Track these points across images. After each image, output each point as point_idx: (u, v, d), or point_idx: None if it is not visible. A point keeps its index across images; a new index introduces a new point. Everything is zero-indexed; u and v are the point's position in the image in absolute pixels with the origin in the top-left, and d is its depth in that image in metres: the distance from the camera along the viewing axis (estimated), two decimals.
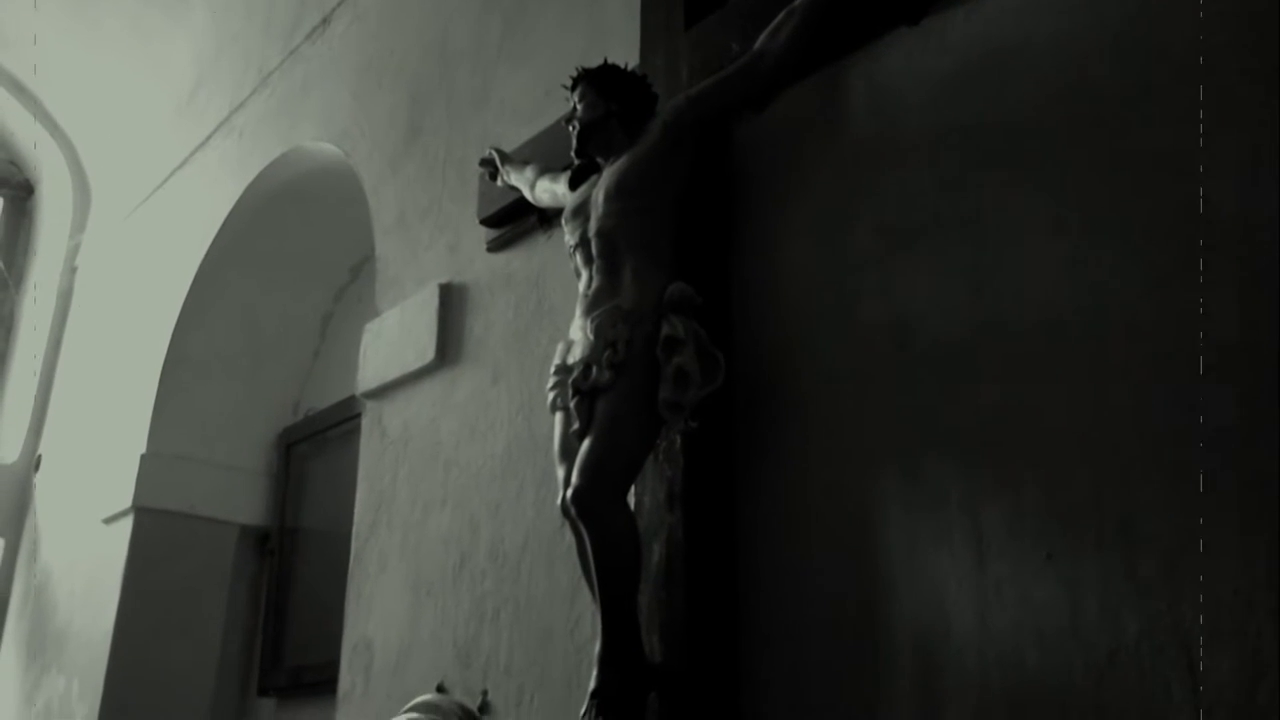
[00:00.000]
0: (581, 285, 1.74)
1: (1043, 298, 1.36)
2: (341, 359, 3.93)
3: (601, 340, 1.63)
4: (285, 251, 4.10)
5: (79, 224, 5.36)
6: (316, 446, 4.07)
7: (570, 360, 1.69)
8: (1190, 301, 1.22)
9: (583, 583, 1.83)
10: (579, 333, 1.69)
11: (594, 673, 1.54)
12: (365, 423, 2.72)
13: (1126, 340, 1.27)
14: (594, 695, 1.52)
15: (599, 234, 1.70)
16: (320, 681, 3.45)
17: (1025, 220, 1.41)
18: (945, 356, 1.44)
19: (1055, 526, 1.27)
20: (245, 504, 4.16)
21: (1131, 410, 1.24)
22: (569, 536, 1.91)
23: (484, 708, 2.04)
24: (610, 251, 1.69)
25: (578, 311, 1.72)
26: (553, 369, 1.73)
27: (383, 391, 2.65)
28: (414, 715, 2.12)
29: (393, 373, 2.61)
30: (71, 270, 5.34)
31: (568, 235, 1.79)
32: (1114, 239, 1.31)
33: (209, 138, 4.21)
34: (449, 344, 2.47)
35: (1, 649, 4.75)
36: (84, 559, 4.27)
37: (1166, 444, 1.21)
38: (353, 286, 4.17)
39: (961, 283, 1.45)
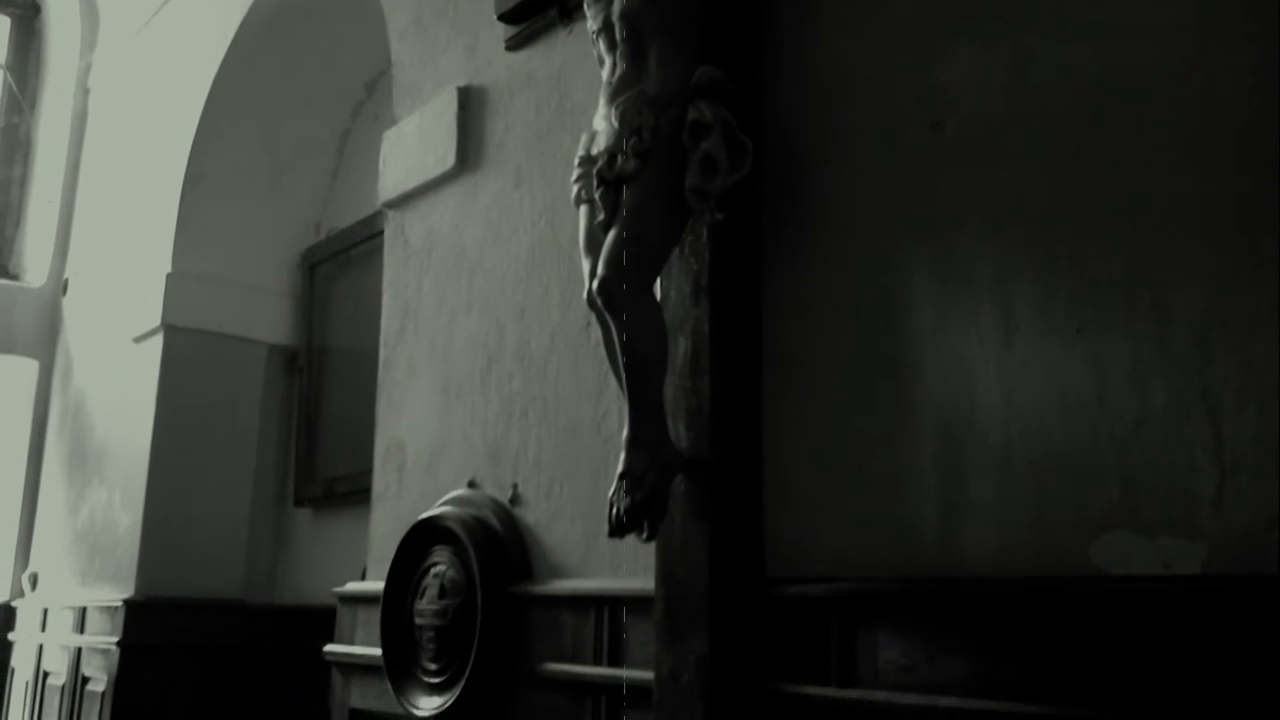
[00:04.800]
0: (605, 72, 1.69)
1: (1083, 70, 1.31)
2: (360, 177, 3.90)
3: (626, 127, 1.59)
4: (300, 66, 4.01)
5: (89, 43, 5.25)
6: (339, 266, 4.09)
7: (594, 150, 1.66)
8: (1236, 69, 1.18)
9: (609, 379, 1.85)
10: (603, 121, 1.65)
11: (621, 456, 1.57)
12: (388, 232, 2.71)
13: (1169, 111, 1.23)
14: (622, 476, 1.55)
15: (623, 16, 1.64)
16: (352, 491, 3.58)
17: None
18: (981, 135, 1.40)
19: (1086, 301, 1.26)
20: (272, 323, 4.22)
21: (1171, 182, 1.22)
22: (595, 335, 1.92)
23: (515, 500, 2.10)
24: (634, 35, 1.63)
25: (601, 100, 1.67)
26: (576, 160, 1.70)
27: (404, 200, 2.63)
28: (447, 509, 2.20)
29: (413, 181, 2.58)
30: (84, 92, 5.26)
31: (590, 20, 1.72)
32: (1159, 5, 1.25)
33: None
34: (469, 148, 2.43)
35: (44, 465, 4.91)
36: (117, 377, 4.37)
37: (1204, 214, 1.18)
38: (369, 103, 4.10)
39: (1000, 59, 1.40)
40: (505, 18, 2.29)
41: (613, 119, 1.62)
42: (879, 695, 1.35)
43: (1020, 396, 1.30)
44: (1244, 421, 1.12)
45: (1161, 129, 1.23)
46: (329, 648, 2.51)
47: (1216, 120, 1.19)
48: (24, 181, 5.47)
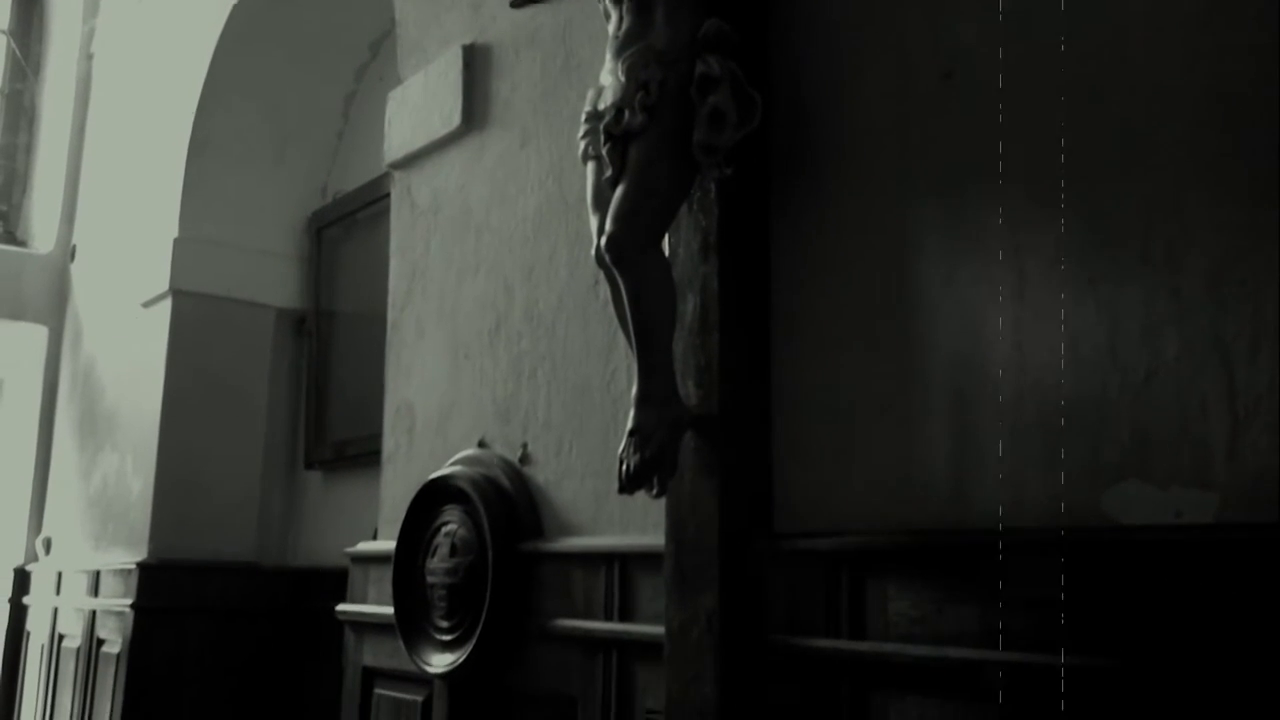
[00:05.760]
0: (611, 27, 1.67)
1: (1095, 19, 1.30)
2: (366, 140, 3.88)
3: (633, 82, 1.58)
4: (303, 28, 3.99)
5: (91, 8, 5.23)
6: (346, 230, 4.08)
7: (601, 106, 1.64)
8: (1250, 16, 1.16)
9: (617, 338, 1.85)
10: (609, 76, 1.64)
11: (630, 413, 1.57)
12: (394, 194, 2.71)
13: (1183, 59, 1.22)
14: (631, 433, 1.55)
15: None
16: (362, 454, 3.59)
17: None
18: (992, 85, 1.38)
19: (1099, 251, 1.25)
20: (280, 287, 4.22)
21: (1184, 131, 1.20)
22: (603, 294, 1.92)
23: (524, 459, 2.11)
24: None
25: (608, 54, 1.66)
26: (583, 116, 1.69)
27: (410, 161, 2.62)
28: (458, 469, 2.20)
29: (419, 141, 2.57)
30: (88, 57, 5.24)
31: None
32: None
33: None
34: (475, 108, 2.41)
35: (56, 431, 4.93)
36: (127, 343, 4.38)
37: (1218, 163, 1.17)
38: (374, 64, 4.07)
39: (1012, 8, 1.38)
40: None
41: (619, 74, 1.60)
42: (889, 647, 1.35)
43: (1032, 348, 1.30)
44: (1256, 371, 1.11)
45: (1175, 78, 1.22)
46: (341, 607, 2.53)
47: (1231, 68, 1.18)
48: (29, 148, 5.46)
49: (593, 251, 1.65)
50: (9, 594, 4.94)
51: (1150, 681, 1.12)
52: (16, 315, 5.02)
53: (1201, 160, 1.19)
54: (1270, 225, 1.12)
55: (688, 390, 1.63)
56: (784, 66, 1.65)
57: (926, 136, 1.45)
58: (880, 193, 1.51)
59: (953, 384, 1.38)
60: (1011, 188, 1.35)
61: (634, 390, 1.58)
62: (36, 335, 5.06)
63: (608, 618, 1.82)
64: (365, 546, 2.55)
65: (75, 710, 4.14)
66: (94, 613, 4.14)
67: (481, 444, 2.24)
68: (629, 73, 1.58)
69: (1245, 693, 1.05)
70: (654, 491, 1.57)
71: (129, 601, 3.87)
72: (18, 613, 4.89)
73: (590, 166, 1.69)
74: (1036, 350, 1.29)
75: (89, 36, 5.22)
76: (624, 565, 1.80)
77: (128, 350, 4.35)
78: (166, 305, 4.06)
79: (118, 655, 3.89)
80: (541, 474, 2.07)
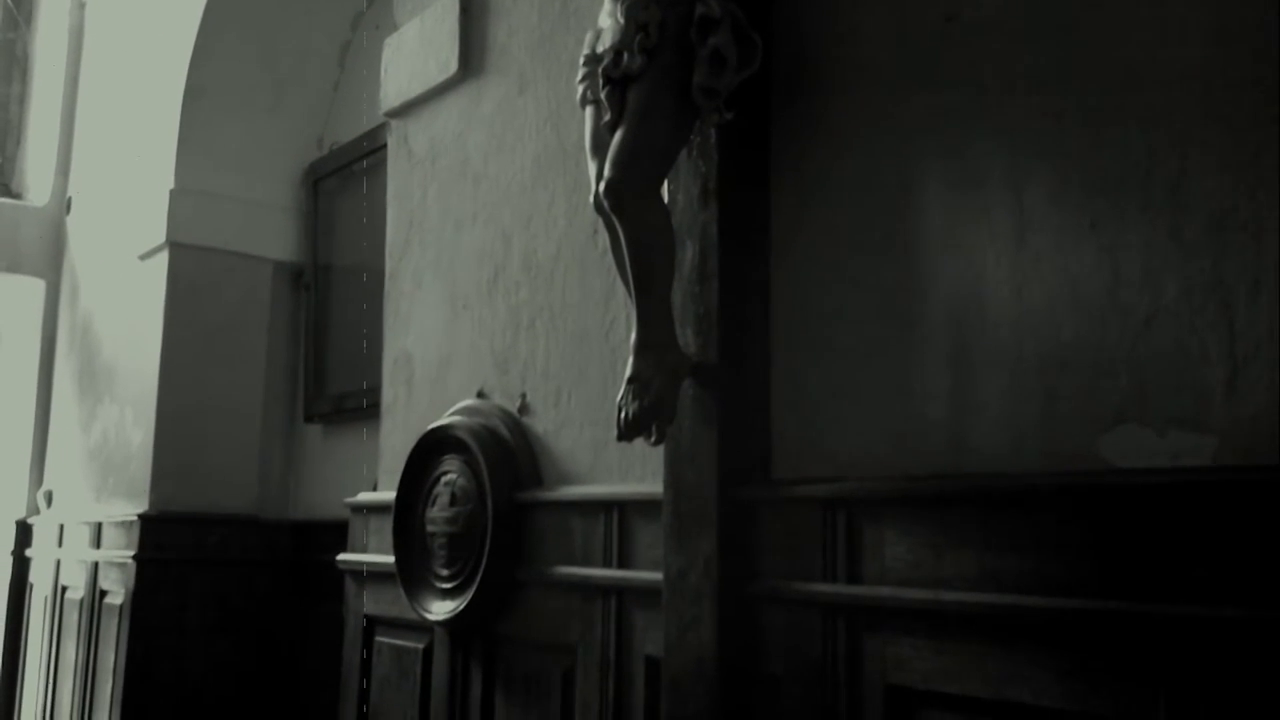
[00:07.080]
0: None
1: None
2: (362, 90, 3.84)
3: (632, 24, 1.56)
4: None
5: None
6: (343, 181, 4.06)
7: (600, 49, 1.62)
8: None
9: (616, 287, 1.84)
10: (608, 18, 1.62)
11: (629, 361, 1.57)
12: (391, 143, 2.68)
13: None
14: (630, 381, 1.55)
15: None
16: (361, 407, 3.60)
17: None
18: (995, 26, 1.36)
19: (1101, 194, 1.24)
20: (277, 240, 4.20)
21: (1189, 72, 1.19)
22: (602, 243, 1.91)
23: (523, 409, 2.11)
24: None
25: None
26: (582, 59, 1.67)
27: (406, 109, 2.59)
28: (457, 419, 2.20)
29: (415, 89, 2.54)
30: (80, 6, 5.18)
31: None
32: None
33: None
34: (472, 54, 2.38)
35: (55, 384, 4.94)
36: (124, 295, 4.36)
37: (1222, 104, 1.16)
38: (369, 12, 4.02)
39: None
40: None
41: (618, 15, 1.58)
42: (885, 591, 1.36)
43: (1031, 293, 1.29)
44: (1257, 313, 1.10)
45: (1180, 18, 1.20)
46: (342, 556, 2.55)
47: (1236, 7, 1.16)
48: (23, 99, 5.42)
49: (591, 198, 1.64)
50: (12, 547, 4.97)
51: (1148, 623, 1.12)
52: (13, 268, 5.00)
53: (1205, 101, 1.17)
54: (1273, 166, 1.10)
55: (686, 338, 1.63)
56: (785, 8, 1.63)
57: (928, 80, 1.43)
58: (881, 137, 1.49)
59: (951, 329, 1.38)
60: (1013, 130, 1.34)
61: (632, 338, 1.58)
62: (34, 288, 5.04)
63: (606, 565, 1.82)
64: (365, 496, 2.56)
65: (79, 661, 4.18)
66: (96, 564, 4.17)
67: (480, 394, 2.24)
68: (628, 14, 1.56)
69: (1240, 632, 1.06)
70: (652, 439, 1.57)
71: (131, 553, 3.89)
72: (20, 565, 4.92)
73: (589, 111, 1.67)
74: (1036, 294, 1.29)
75: None
76: (622, 513, 1.81)
77: (126, 303, 4.34)
78: (164, 258, 4.04)
79: (120, 606, 3.92)
80: (540, 423, 2.07)
